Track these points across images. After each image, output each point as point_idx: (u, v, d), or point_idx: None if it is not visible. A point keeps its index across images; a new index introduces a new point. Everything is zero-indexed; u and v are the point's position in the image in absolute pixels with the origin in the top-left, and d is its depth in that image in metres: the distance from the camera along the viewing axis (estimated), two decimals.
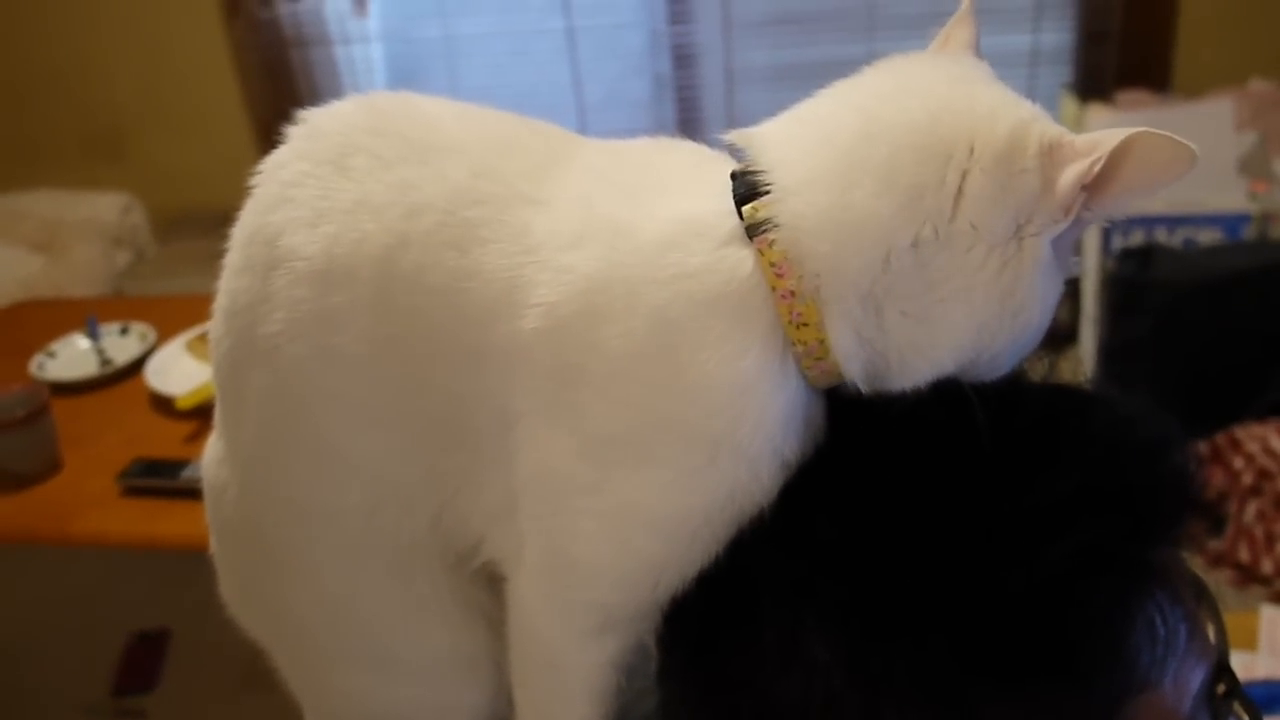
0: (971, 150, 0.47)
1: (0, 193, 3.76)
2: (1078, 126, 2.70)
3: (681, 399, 0.49)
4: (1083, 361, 2.72)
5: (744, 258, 0.49)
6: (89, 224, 3.55)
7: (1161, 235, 2.52)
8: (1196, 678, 0.51)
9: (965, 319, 0.49)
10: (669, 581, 0.52)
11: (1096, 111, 2.63)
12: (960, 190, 0.47)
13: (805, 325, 0.49)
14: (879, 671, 0.48)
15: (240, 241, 0.56)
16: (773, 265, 0.48)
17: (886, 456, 0.52)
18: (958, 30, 0.55)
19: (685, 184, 0.53)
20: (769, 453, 0.50)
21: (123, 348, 2.28)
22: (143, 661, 2.27)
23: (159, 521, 1.76)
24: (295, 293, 0.53)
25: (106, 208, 3.66)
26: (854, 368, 0.50)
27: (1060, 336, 2.92)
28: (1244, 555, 2.12)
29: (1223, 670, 0.55)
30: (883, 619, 0.48)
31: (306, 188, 0.53)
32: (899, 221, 0.48)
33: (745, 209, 0.49)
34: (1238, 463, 2.19)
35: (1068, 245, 0.51)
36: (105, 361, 2.24)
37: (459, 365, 0.52)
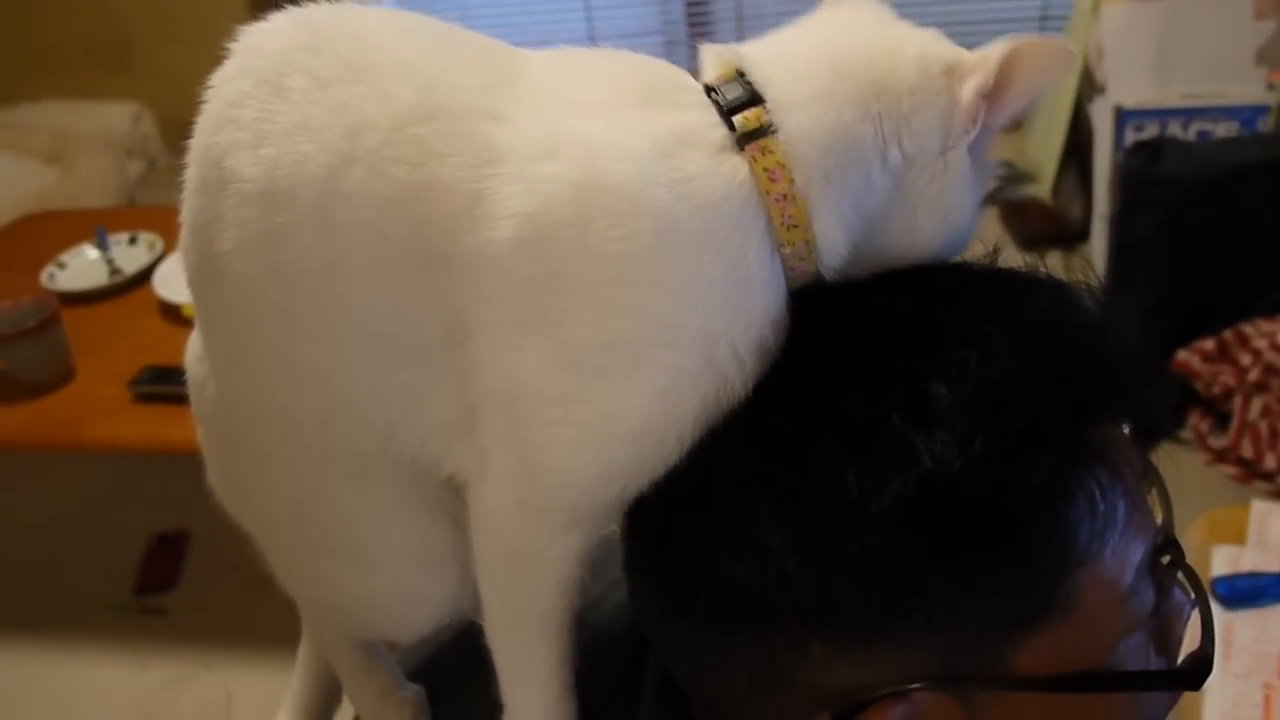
0: (902, 79, 0.53)
1: (9, 105, 3.75)
2: (1093, 18, 2.65)
3: (684, 299, 0.51)
4: (1093, 259, 2.70)
5: (739, 164, 0.52)
6: (99, 135, 3.54)
7: (1176, 128, 2.48)
8: (1138, 551, 0.53)
9: (907, 227, 0.55)
10: (639, 482, 0.54)
11: (1111, 3, 2.58)
12: (900, 115, 0.53)
13: (795, 227, 0.52)
14: (828, 554, 0.50)
15: (194, 159, 0.57)
16: (767, 171, 0.51)
17: (832, 348, 0.54)
18: None
19: (650, 97, 0.54)
20: (758, 350, 0.52)
21: (131, 257, 2.31)
22: (163, 562, 2.34)
23: (170, 427, 1.80)
24: (242, 213, 0.53)
25: (116, 118, 3.65)
26: (834, 262, 0.54)
27: (1071, 234, 2.90)
28: (1247, 451, 2.12)
29: (1168, 543, 0.56)
30: (830, 504, 0.50)
31: (247, 108, 0.54)
32: (875, 143, 0.53)
33: (737, 119, 0.52)
34: (1245, 359, 2.18)
35: (981, 151, 0.55)
36: (114, 271, 2.27)
37: (404, 280, 0.52)
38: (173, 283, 2.11)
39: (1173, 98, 2.49)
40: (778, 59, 0.55)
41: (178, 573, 2.31)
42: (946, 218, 0.54)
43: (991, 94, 0.52)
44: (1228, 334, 2.24)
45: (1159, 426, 2.29)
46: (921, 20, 0.56)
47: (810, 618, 0.50)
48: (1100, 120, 2.63)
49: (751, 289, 0.51)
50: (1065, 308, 0.54)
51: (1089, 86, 2.77)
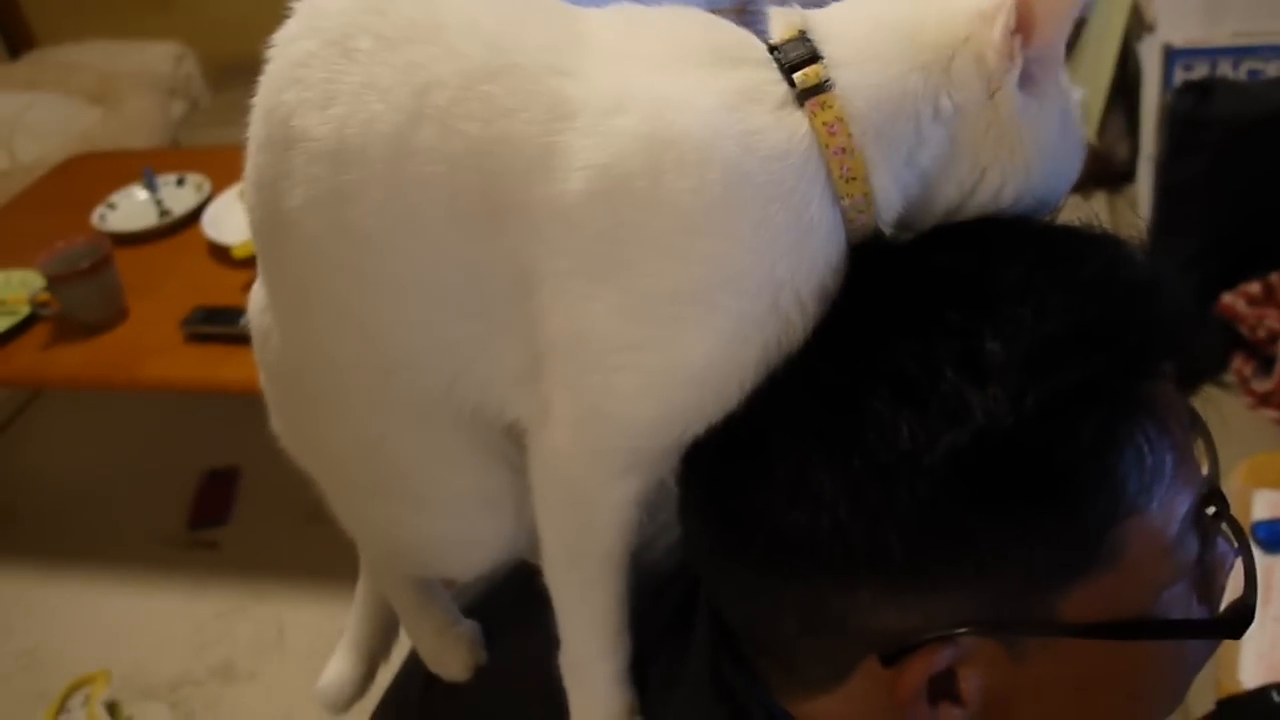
0: (935, 31, 0.54)
1: (54, 44, 3.78)
2: None
3: (752, 246, 0.52)
4: (1139, 200, 2.67)
5: (800, 118, 0.53)
6: (142, 74, 3.56)
7: (1226, 68, 2.43)
8: (1184, 503, 0.54)
9: (973, 180, 0.56)
10: (698, 426, 0.56)
11: None
12: (943, 67, 0.54)
13: (854, 179, 0.53)
14: (880, 503, 0.51)
15: (258, 117, 0.58)
16: (825, 125, 0.53)
17: (889, 303, 0.55)
18: None
19: (715, 55, 0.55)
20: (820, 296, 0.54)
21: (180, 198, 2.33)
22: (215, 497, 2.39)
23: (221, 366, 1.83)
24: (311, 170, 0.54)
25: (159, 58, 3.67)
26: (890, 215, 0.55)
27: (1117, 175, 2.86)
28: None
29: (1213, 495, 0.58)
30: (883, 455, 0.51)
31: (313, 68, 0.54)
32: (926, 94, 0.54)
33: (797, 75, 0.54)
34: None
35: (1044, 85, 0.55)
36: (164, 212, 2.30)
37: (475, 233, 0.54)
38: (221, 224, 2.14)
39: (1223, 36, 2.43)
40: (837, 20, 0.56)
41: (229, 508, 2.36)
42: (1029, 168, 0.55)
43: (1020, 26, 0.53)
44: (1274, 277, 2.21)
45: (1202, 370, 2.28)
46: None
47: (861, 564, 0.52)
48: (1148, 59, 2.58)
49: (814, 237, 0.53)
50: (1119, 266, 0.55)
51: (1138, 25, 2.71)
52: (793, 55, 0.54)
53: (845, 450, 0.52)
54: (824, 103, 0.53)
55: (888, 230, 0.55)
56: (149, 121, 3.35)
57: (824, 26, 0.55)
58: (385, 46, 0.54)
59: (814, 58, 0.54)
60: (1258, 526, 1.24)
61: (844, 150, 0.53)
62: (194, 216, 2.25)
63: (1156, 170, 2.42)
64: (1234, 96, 2.26)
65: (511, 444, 0.62)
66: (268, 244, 0.61)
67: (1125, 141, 2.80)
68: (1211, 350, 2.24)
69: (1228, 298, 2.23)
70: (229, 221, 2.14)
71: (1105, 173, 2.85)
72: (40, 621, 2.20)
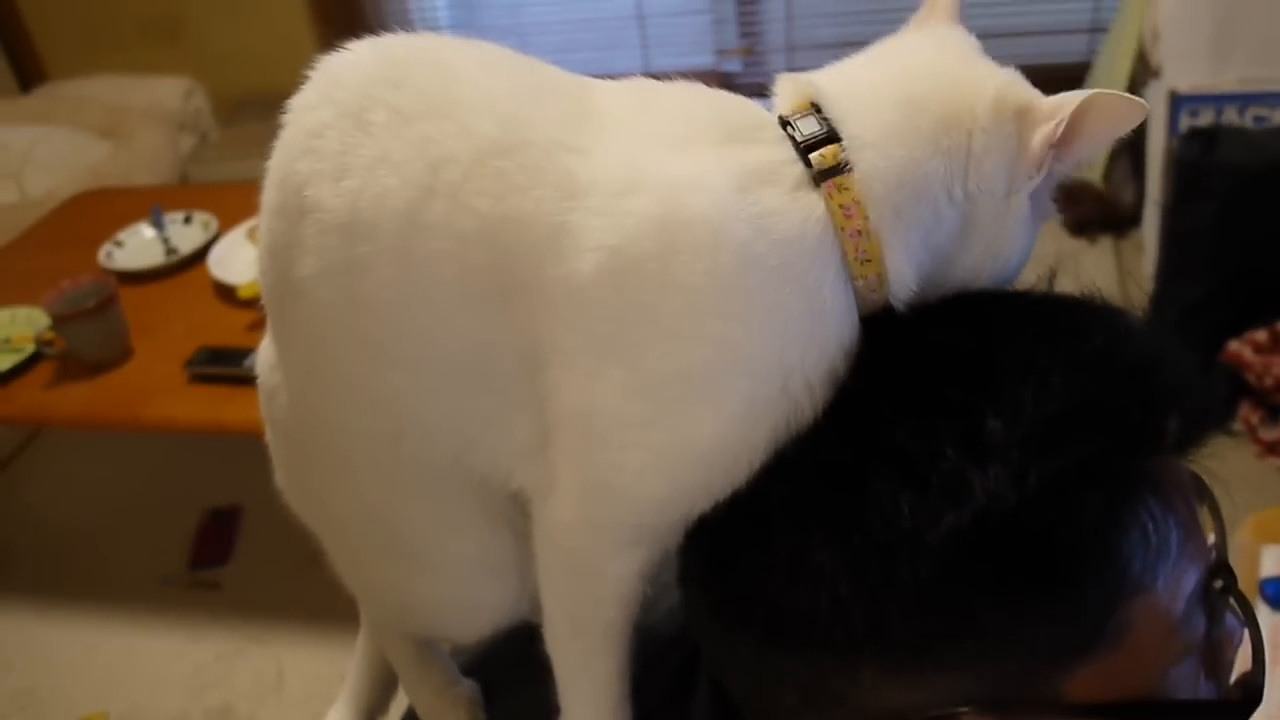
0: (976, 118, 0.53)
1: (64, 79, 3.81)
2: (1147, 6, 2.60)
3: (762, 330, 0.52)
4: (1145, 246, 2.67)
5: (815, 200, 0.53)
6: (152, 109, 3.59)
7: (1231, 114, 2.44)
8: (1190, 579, 0.53)
9: (970, 262, 0.56)
10: (706, 504, 0.55)
11: None
12: (969, 153, 0.53)
13: (868, 261, 0.53)
14: (881, 583, 0.51)
15: (273, 183, 0.58)
16: (842, 208, 0.53)
17: (890, 380, 0.54)
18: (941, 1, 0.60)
19: (727, 133, 0.55)
20: (829, 380, 0.54)
21: (186, 237, 2.34)
22: (217, 536, 2.38)
23: (225, 407, 1.83)
24: (323, 241, 0.55)
25: (168, 92, 3.70)
26: (904, 294, 0.55)
27: (1123, 219, 2.86)
28: None
29: (1220, 568, 0.57)
30: (884, 534, 0.51)
31: (328, 139, 0.55)
32: (943, 179, 0.54)
33: (814, 156, 0.53)
34: None
35: (1043, 197, 0.56)
36: (170, 251, 2.31)
37: (484, 311, 0.54)
38: (227, 263, 2.15)
39: (1229, 82, 2.44)
40: (854, 90, 0.55)
41: (231, 547, 2.35)
42: (999, 255, 0.56)
43: (1060, 142, 0.52)
44: None
45: (1210, 420, 2.26)
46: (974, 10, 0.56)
47: (862, 644, 0.52)
48: (1154, 105, 2.59)
49: (826, 320, 0.53)
50: (1121, 341, 0.55)
51: (1143, 70, 2.72)
52: (807, 133, 0.54)
53: (846, 528, 0.51)
54: (840, 184, 0.53)
55: (899, 306, 0.55)
56: (158, 156, 3.37)
57: (838, 99, 0.55)
58: (400, 120, 0.54)
59: (831, 137, 0.54)
60: (1266, 584, 1.23)
61: (860, 233, 0.53)
62: (200, 255, 2.25)
63: (1163, 216, 2.42)
64: (1239, 144, 2.26)
65: (516, 509, 0.61)
66: (278, 308, 0.61)
67: (1131, 186, 2.80)
68: (1219, 399, 2.24)
69: (1234, 345, 2.23)
70: (235, 261, 2.15)
71: (1112, 218, 2.86)
72: (39, 661, 2.19)
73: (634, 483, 0.54)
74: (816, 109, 0.55)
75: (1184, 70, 2.49)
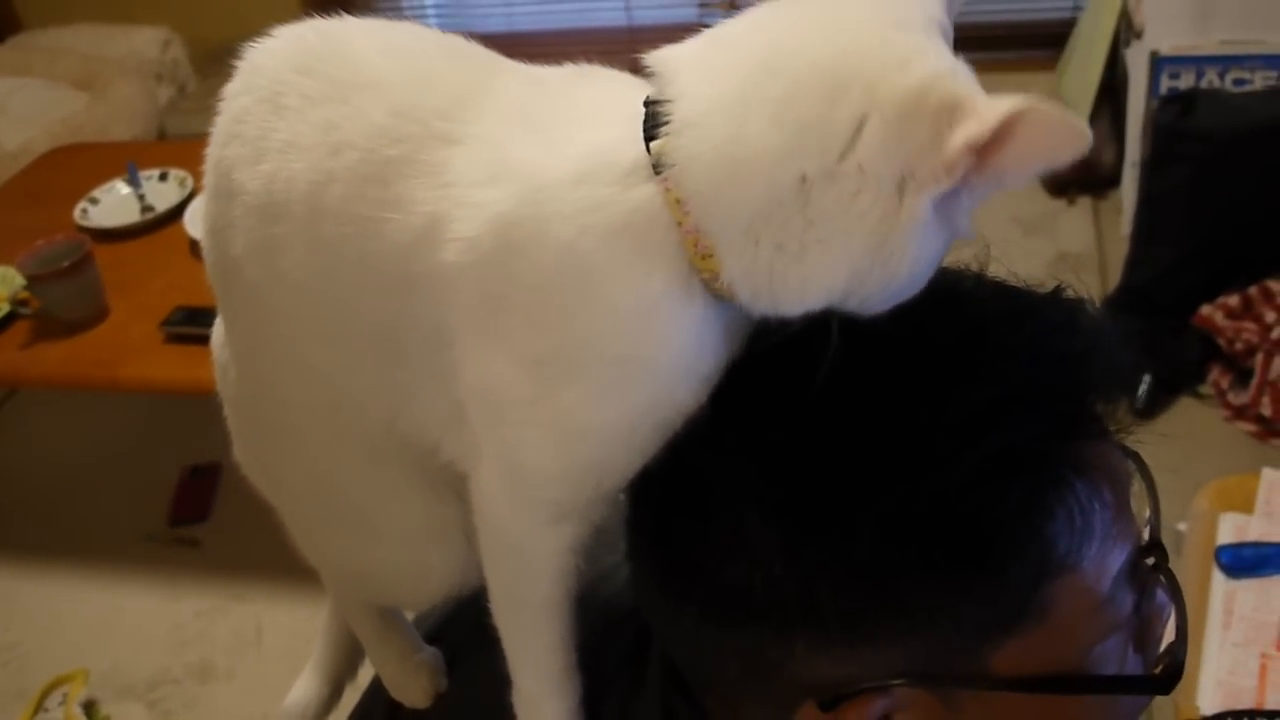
0: (873, 94, 0.46)
1: (39, 28, 3.76)
2: None
3: (592, 323, 0.52)
4: (1123, 208, 2.68)
5: (648, 193, 0.50)
6: (129, 60, 3.55)
7: (1212, 76, 2.44)
8: (1117, 559, 0.55)
9: (838, 261, 0.49)
10: (611, 480, 0.57)
11: None
12: (857, 132, 0.47)
13: (709, 256, 0.50)
14: (814, 560, 0.52)
15: (209, 168, 0.61)
16: (679, 201, 0.49)
17: (822, 364, 0.53)
18: None
19: (599, 117, 0.54)
20: (681, 369, 0.53)
21: (162, 194, 2.33)
22: (196, 494, 2.39)
23: (202, 366, 1.78)
24: (248, 222, 0.57)
25: (146, 43, 3.66)
26: (743, 296, 0.52)
27: (1102, 179, 2.87)
28: (1266, 409, 2.12)
29: (1153, 546, 0.59)
30: (816, 515, 0.52)
31: (249, 125, 0.57)
32: (784, 157, 0.47)
33: (653, 145, 0.50)
34: (1269, 316, 2.17)
35: (956, 211, 0.49)
36: (146, 208, 2.29)
37: (387, 291, 0.56)
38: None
39: (1210, 44, 2.44)
40: (701, 60, 0.51)
41: (210, 505, 2.37)
42: (887, 262, 0.49)
43: (984, 150, 0.46)
44: (1253, 290, 2.23)
45: (1179, 381, 2.29)
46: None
47: (795, 618, 0.53)
48: (1136, 66, 2.59)
49: (661, 315, 0.51)
50: (1052, 331, 0.56)
51: (1127, 29, 2.72)
52: (652, 116, 0.50)
53: (780, 510, 0.53)
54: (674, 176, 0.49)
55: (752, 311, 0.52)
56: (135, 108, 3.34)
57: (679, 76, 0.50)
58: (309, 105, 0.56)
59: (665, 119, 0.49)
60: (1221, 551, 1.26)
61: (698, 228, 0.49)
62: (176, 213, 2.24)
63: (1140, 180, 2.43)
64: (1216, 110, 2.27)
65: (460, 478, 0.63)
66: (220, 284, 0.64)
67: (1111, 147, 2.81)
68: (1190, 361, 2.26)
69: (1206, 310, 2.24)
70: None
71: (1091, 178, 2.86)
72: (20, 617, 2.21)
73: (535, 457, 0.55)
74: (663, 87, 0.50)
75: (1166, 31, 2.49)
